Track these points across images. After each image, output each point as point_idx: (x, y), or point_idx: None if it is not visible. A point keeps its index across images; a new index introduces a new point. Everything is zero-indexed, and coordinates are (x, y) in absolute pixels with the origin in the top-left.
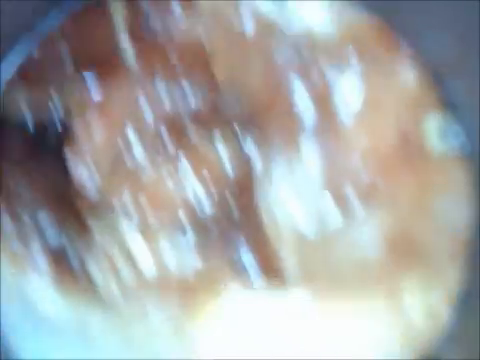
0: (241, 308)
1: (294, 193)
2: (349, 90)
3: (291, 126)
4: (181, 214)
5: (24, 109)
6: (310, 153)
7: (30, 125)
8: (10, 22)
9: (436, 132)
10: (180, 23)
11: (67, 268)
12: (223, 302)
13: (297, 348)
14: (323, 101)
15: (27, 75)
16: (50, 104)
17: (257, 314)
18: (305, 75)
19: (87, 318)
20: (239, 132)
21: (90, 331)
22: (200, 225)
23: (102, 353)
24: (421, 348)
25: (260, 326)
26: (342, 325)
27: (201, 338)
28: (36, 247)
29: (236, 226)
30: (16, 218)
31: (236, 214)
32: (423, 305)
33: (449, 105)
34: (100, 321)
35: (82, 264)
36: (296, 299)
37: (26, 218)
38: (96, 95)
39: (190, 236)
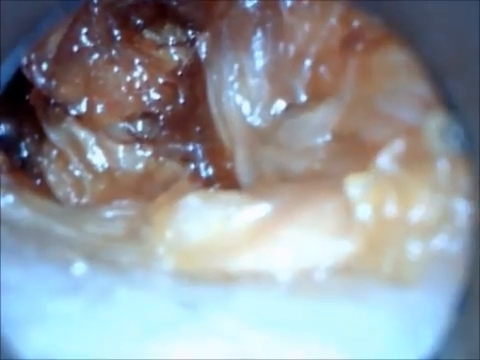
0: (195, 213)
1: (240, 84)
2: None
3: (240, 25)
4: (129, 102)
5: None
6: (256, 45)
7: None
8: (10, 23)
9: (437, 132)
10: None
11: (17, 160)
12: (177, 204)
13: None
14: None
15: None
16: None
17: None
18: None
19: (40, 214)
20: (190, 29)
21: (44, 230)
22: (148, 115)
23: (57, 251)
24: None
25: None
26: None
27: (155, 241)
28: None
29: (183, 116)
30: None
31: (183, 102)
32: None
33: (449, 105)
34: (55, 221)
35: (33, 157)
36: (246, 197)
37: None
38: None
39: (139, 125)
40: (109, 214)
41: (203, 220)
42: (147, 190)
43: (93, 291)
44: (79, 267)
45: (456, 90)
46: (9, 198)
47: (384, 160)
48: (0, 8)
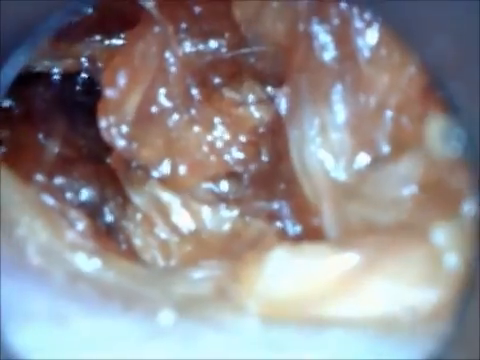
0: (283, 265)
1: (323, 138)
2: (367, 25)
3: (319, 79)
4: (211, 162)
5: (50, 59)
6: (336, 98)
7: (56, 75)
8: (11, 25)
9: (438, 134)
10: None
11: (102, 225)
12: (263, 263)
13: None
14: (343, 41)
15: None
16: (76, 54)
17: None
18: (323, 14)
19: (126, 277)
20: (269, 86)
21: (130, 290)
22: (232, 174)
23: (142, 311)
24: (450, 285)
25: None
26: (378, 270)
27: (244, 297)
28: (70, 203)
29: (267, 174)
30: (49, 174)
31: (266, 160)
32: (452, 243)
33: (451, 107)
34: (142, 283)
35: (117, 221)
36: (332, 248)
37: (59, 174)
38: (121, 44)
39: (223, 185)
40: (197, 275)
41: (291, 272)
42: (234, 250)
43: (179, 336)
44: (167, 317)
45: (458, 92)
46: (96, 262)
47: (470, 207)
48: (0, 9)
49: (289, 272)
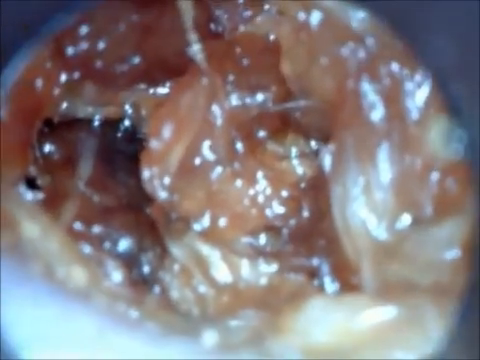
0: (320, 314)
1: (366, 197)
2: (417, 86)
3: (365, 137)
4: (252, 215)
5: (93, 106)
6: (382, 157)
7: (98, 122)
8: (13, 26)
9: (440, 136)
10: (248, 22)
11: (139, 276)
12: (301, 313)
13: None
14: (392, 101)
15: (95, 72)
16: (119, 102)
17: (334, 325)
18: (373, 74)
19: (163, 326)
20: (313, 141)
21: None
22: (272, 228)
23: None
24: None
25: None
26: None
27: (281, 350)
28: (107, 252)
29: (308, 230)
30: (88, 223)
31: (307, 216)
32: None
33: (452, 109)
34: (176, 329)
35: (155, 272)
36: (370, 306)
37: (98, 223)
38: (166, 94)
39: (262, 239)
40: (233, 323)
41: (328, 322)
42: (271, 304)
43: None
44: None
45: (459, 94)
46: (134, 311)
47: None
48: (1, 10)
49: (327, 321)
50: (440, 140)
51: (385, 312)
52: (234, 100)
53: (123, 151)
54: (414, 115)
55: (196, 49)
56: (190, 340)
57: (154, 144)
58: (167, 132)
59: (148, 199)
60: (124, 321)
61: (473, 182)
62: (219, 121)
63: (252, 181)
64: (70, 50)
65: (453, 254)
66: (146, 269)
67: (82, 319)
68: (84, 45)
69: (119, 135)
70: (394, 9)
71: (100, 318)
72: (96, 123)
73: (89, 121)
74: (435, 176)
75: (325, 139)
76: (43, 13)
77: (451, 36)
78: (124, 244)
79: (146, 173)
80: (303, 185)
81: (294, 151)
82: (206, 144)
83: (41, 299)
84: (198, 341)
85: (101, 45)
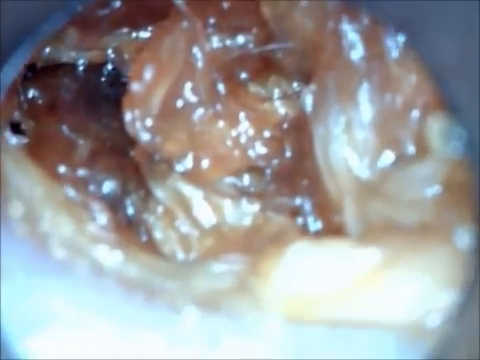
0: (303, 259)
1: (348, 136)
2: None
3: (346, 77)
4: (235, 156)
5: (76, 51)
6: (362, 96)
7: (81, 66)
8: (12, 25)
9: (439, 134)
10: None
11: (123, 218)
12: (284, 258)
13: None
14: (372, 40)
15: (78, 20)
16: (103, 46)
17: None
18: (353, 14)
19: (147, 270)
20: (295, 82)
21: (151, 283)
22: (255, 169)
23: (163, 308)
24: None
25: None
26: (398, 267)
27: (263, 290)
28: (92, 195)
29: (290, 170)
30: (72, 167)
31: (290, 156)
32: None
33: (451, 107)
34: (163, 276)
35: (139, 214)
36: (353, 250)
37: (82, 166)
38: (148, 37)
39: (245, 180)
40: (217, 268)
41: (312, 266)
42: (255, 244)
43: (203, 338)
44: (190, 314)
45: (458, 92)
46: (118, 255)
47: None
48: (0, 9)
49: (309, 266)
50: (439, 138)
51: (368, 255)
52: (215, 42)
53: (107, 95)
54: (394, 54)
55: None
56: (172, 308)
57: (135, 87)
58: (148, 75)
59: (132, 142)
60: (107, 294)
61: (473, 182)
62: (200, 63)
63: (234, 122)
64: None
65: (435, 191)
66: (130, 211)
67: (64, 293)
68: None
69: (102, 79)
70: (394, 8)
71: (82, 291)
72: (79, 68)
73: (72, 66)
74: (416, 114)
75: (307, 80)
76: (43, 13)
77: (451, 34)
78: (108, 187)
79: (128, 116)
80: (285, 126)
81: (276, 92)
82: (188, 86)
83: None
84: (181, 304)
85: None
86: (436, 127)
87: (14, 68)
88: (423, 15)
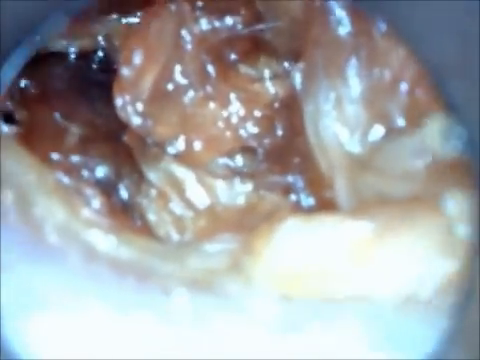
0: (295, 236)
1: (338, 112)
2: None
3: (334, 53)
4: (226, 137)
5: (67, 38)
6: (351, 71)
7: (72, 54)
8: (12, 25)
9: (439, 133)
10: None
11: (117, 202)
12: (276, 235)
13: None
14: (359, 16)
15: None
16: (93, 33)
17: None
18: None
19: (141, 253)
20: (285, 61)
21: (144, 266)
22: (247, 149)
23: (157, 289)
24: (462, 255)
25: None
26: (391, 241)
27: (256, 268)
28: (85, 180)
29: (282, 148)
30: (66, 154)
31: (281, 134)
32: (464, 212)
33: (451, 106)
34: (157, 258)
35: (132, 198)
36: (345, 219)
37: (75, 152)
38: (137, 23)
39: (238, 160)
40: (211, 248)
41: (303, 243)
42: (249, 223)
43: (193, 317)
44: (180, 295)
45: (458, 91)
46: (111, 239)
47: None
48: (0, 9)
49: (302, 243)
50: (439, 137)
51: (360, 228)
52: (203, 25)
53: (99, 82)
54: (381, 28)
55: None
56: (164, 290)
57: (125, 72)
58: (137, 60)
59: (124, 127)
60: (99, 279)
61: (473, 181)
62: (189, 46)
63: (225, 103)
64: None
65: (425, 162)
66: (124, 195)
67: (54, 279)
68: None
69: (94, 66)
70: (394, 8)
71: (75, 277)
72: (71, 56)
73: (63, 54)
74: (404, 87)
75: (296, 59)
76: (43, 13)
77: (450, 34)
78: (102, 172)
79: (119, 101)
80: (276, 105)
81: (267, 73)
82: (177, 69)
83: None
84: (174, 286)
85: None
86: (436, 127)
87: (14, 68)
88: (422, 14)
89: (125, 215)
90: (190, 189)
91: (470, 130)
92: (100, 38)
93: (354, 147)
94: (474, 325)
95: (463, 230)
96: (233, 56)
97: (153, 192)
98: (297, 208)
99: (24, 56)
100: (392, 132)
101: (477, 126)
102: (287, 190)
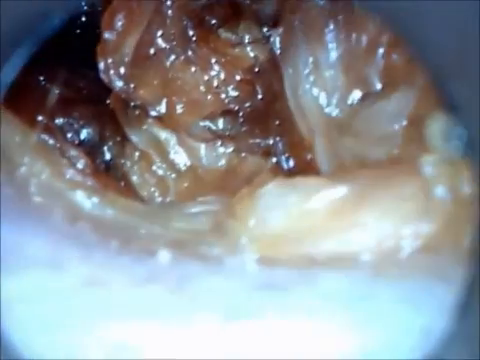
0: (275, 199)
1: (316, 76)
2: None
3: (312, 18)
4: (208, 100)
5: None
6: (329, 37)
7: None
8: (12, 25)
9: (439, 133)
10: None
11: (101, 163)
12: (257, 199)
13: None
14: None
15: None
16: None
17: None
18: None
19: (124, 213)
20: (264, 26)
21: (128, 227)
22: (228, 112)
23: (140, 248)
24: (441, 217)
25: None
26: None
27: (238, 231)
28: (70, 142)
29: (262, 111)
30: (49, 115)
31: (261, 98)
32: (443, 177)
33: (451, 106)
34: (140, 219)
35: (116, 159)
36: (324, 182)
37: (59, 115)
38: None
39: (219, 123)
40: (194, 210)
41: (283, 206)
42: (230, 185)
43: (175, 278)
44: (163, 256)
45: (458, 91)
46: (94, 200)
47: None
48: (0, 9)
49: (281, 205)
50: (439, 137)
51: (339, 191)
52: None
53: (82, 46)
54: None
55: None
56: (147, 252)
57: (107, 36)
58: (119, 24)
59: (107, 90)
60: (82, 240)
61: (473, 181)
62: (170, 11)
63: (206, 67)
64: None
65: (402, 125)
66: (108, 156)
67: (37, 239)
68: None
69: (77, 31)
70: (393, 7)
71: (56, 238)
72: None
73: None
74: (381, 51)
75: (275, 24)
76: (41, 11)
77: (450, 33)
78: (86, 134)
79: (102, 64)
80: (256, 69)
81: (246, 37)
82: (159, 33)
83: None
84: (157, 248)
85: None
86: (436, 127)
87: (14, 68)
88: (422, 13)
89: (109, 176)
90: (173, 151)
91: (470, 130)
92: (83, 3)
93: (333, 110)
94: (474, 325)
95: (441, 192)
96: (213, 21)
97: (136, 154)
98: (278, 170)
99: (24, 56)
100: (369, 96)
101: (477, 126)
102: (268, 153)
